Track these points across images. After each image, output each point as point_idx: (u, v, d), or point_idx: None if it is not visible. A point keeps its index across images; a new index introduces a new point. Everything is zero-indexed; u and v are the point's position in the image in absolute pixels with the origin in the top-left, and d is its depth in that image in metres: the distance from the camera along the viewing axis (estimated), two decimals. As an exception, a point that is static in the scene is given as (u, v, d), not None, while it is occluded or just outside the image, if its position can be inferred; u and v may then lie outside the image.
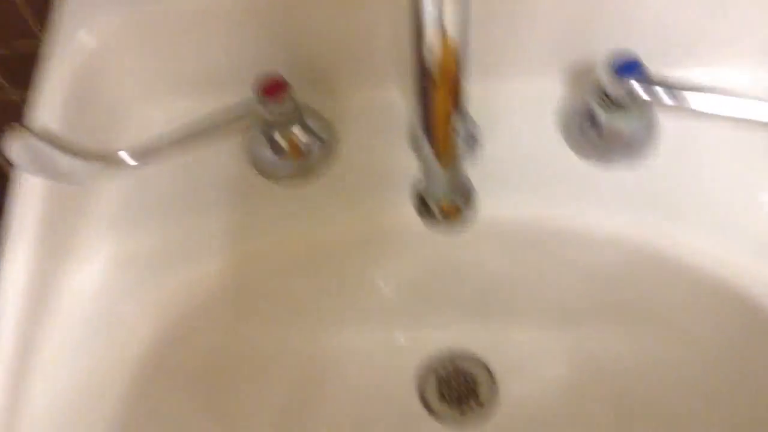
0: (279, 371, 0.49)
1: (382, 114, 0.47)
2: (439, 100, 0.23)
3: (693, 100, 0.39)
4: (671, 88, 0.39)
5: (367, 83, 0.47)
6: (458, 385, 0.52)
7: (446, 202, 0.28)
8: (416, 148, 0.32)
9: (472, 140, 0.44)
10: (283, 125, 0.44)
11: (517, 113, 0.45)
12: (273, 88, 0.42)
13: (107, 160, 0.39)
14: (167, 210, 0.45)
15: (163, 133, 0.41)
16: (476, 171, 0.44)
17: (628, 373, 0.48)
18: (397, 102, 0.47)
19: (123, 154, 0.40)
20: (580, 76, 0.45)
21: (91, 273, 0.44)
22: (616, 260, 0.44)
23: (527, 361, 0.51)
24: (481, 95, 0.45)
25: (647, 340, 0.48)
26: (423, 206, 0.29)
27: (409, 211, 0.43)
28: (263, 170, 0.46)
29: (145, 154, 0.40)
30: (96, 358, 0.41)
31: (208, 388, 0.45)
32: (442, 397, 0.51)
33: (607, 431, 0.48)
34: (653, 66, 0.39)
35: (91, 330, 0.42)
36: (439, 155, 0.24)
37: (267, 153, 0.45)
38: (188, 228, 0.45)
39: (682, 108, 0.40)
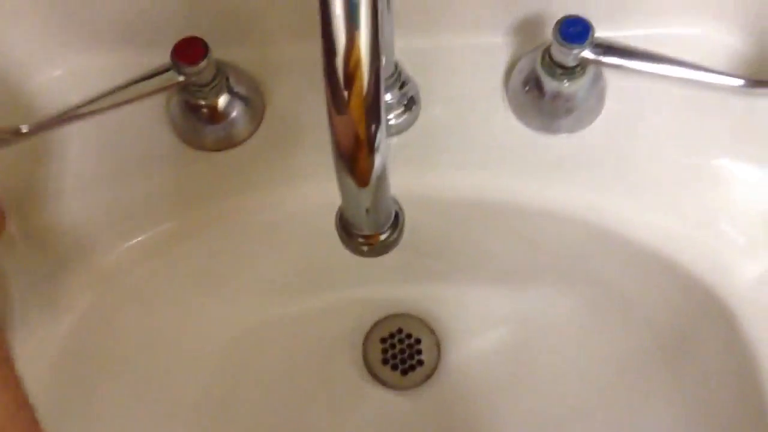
0: (210, 348, 0.47)
1: (311, 67, 0.43)
2: (355, 115, 0.20)
3: (641, 63, 0.37)
4: (619, 52, 0.36)
5: (294, 34, 0.43)
6: (402, 348, 0.51)
7: (368, 231, 0.26)
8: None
9: (411, 102, 0.41)
10: (204, 89, 0.40)
11: (461, 73, 0.42)
12: (189, 52, 0.38)
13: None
14: (85, 184, 0.42)
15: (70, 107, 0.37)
16: (415, 135, 0.41)
17: (568, 330, 0.48)
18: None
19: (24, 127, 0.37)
20: (529, 37, 0.41)
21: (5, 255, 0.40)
22: (558, 228, 0.42)
23: (470, 322, 0.50)
24: (424, 49, 0.42)
25: (584, 299, 0.47)
26: (344, 233, 0.26)
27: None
28: (187, 138, 0.42)
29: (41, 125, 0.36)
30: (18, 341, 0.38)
31: (135, 371, 0.44)
32: (385, 361, 0.51)
33: (546, 390, 0.49)
34: (601, 29, 0.36)
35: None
36: (356, 176, 0.21)
37: (190, 120, 0.42)
38: (109, 203, 0.41)
39: (629, 72, 0.37)
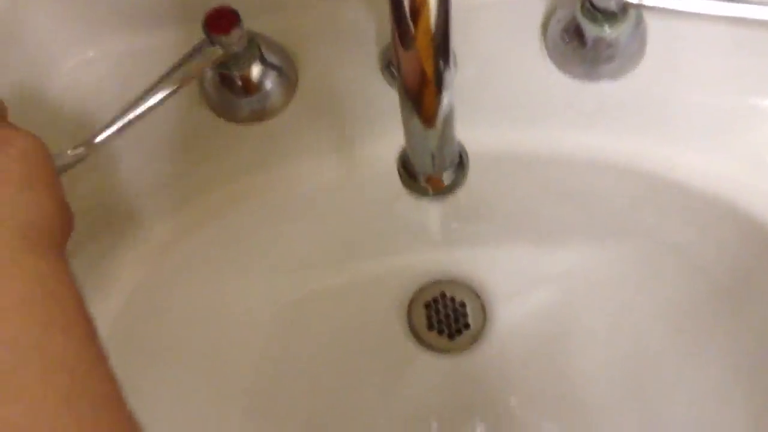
0: (257, 322, 0.47)
1: (344, 33, 0.42)
2: (422, 51, 0.20)
3: (684, 3, 0.36)
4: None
5: (326, 1, 0.42)
6: (447, 313, 0.51)
7: (433, 173, 0.25)
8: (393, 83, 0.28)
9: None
10: (236, 61, 0.40)
11: (496, 29, 0.41)
12: (220, 21, 0.37)
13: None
14: (125, 162, 0.41)
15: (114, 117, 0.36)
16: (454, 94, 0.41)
17: (618, 288, 0.47)
18: (361, 16, 0.42)
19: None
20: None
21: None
22: (603, 179, 0.41)
23: (516, 284, 0.50)
24: (456, 6, 0.41)
25: (635, 254, 0.46)
26: (407, 175, 0.26)
27: (379, 146, 0.40)
28: (222, 112, 0.42)
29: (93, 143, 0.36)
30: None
31: (185, 349, 0.43)
32: (431, 326, 0.50)
33: (595, 350, 0.48)
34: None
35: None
36: (423, 116, 0.20)
37: (224, 93, 0.41)
38: (150, 179, 0.41)
39: (672, 13, 0.36)
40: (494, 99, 0.40)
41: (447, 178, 0.26)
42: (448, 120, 0.21)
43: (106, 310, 0.39)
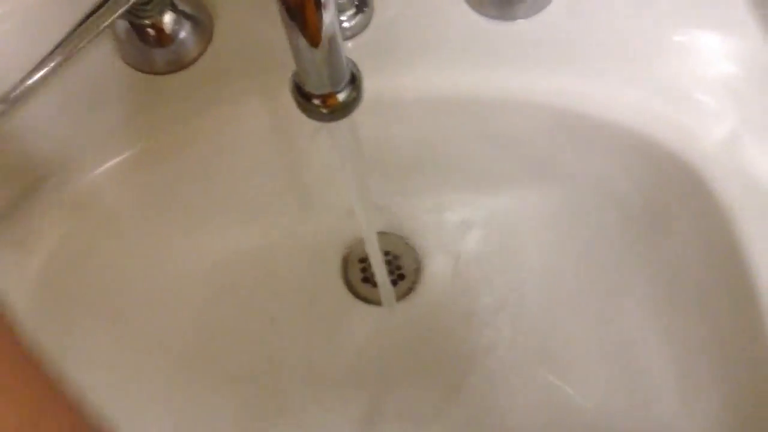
0: (187, 275, 0.47)
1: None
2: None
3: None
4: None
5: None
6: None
7: (325, 90, 0.25)
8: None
9: (362, 3, 0.40)
10: (148, 10, 0.39)
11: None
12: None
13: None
14: (41, 118, 0.40)
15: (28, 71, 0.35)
16: (369, 37, 0.40)
17: (545, 230, 0.48)
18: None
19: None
20: None
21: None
22: (526, 120, 0.42)
23: (447, 233, 0.50)
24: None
25: (558, 195, 0.47)
26: (302, 97, 0.26)
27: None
28: (137, 64, 0.41)
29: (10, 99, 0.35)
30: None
31: (112, 304, 0.43)
32: (366, 279, 0.50)
33: (524, 290, 0.49)
34: None
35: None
36: (306, 33, 0.20)
37: (137, 44, 0.40)
38: (68, 134, 0.40)
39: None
40: (413, 41, 0.40)
41: (341, 96, 0.26)
42: (333, 38, 0.21)
43: (30, 266, 0.38)
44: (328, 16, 0.21)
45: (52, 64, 0.37)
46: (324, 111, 0.26)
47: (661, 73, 0.39)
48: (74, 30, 0.37)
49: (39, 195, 0.39)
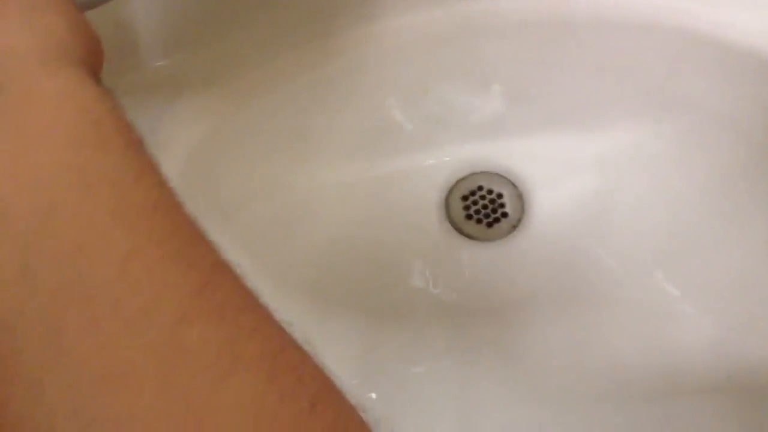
0: (307, 205, 0.48)
1: None
2: None
3: None
4: None
5: None
6: (485, 204, 0.51)
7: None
8: None
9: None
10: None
11: None
12: None
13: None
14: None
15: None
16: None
17: (658, 166, 0.48)
18: None
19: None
20: None
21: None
22: (641, 42, 0.42)
23: (554, 171, 0.50)
24: None
25: (674, 128, 0.47)
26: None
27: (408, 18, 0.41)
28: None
29: None
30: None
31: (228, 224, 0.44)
32: (469, 216, 0.51)
33: (634, 231, 0.49)
34: None
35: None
36: None
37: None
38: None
39: None
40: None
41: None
42: None
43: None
44: None
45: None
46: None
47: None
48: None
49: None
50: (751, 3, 0.39)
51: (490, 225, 0.51)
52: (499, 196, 0.51)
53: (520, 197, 0.51)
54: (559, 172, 0.50)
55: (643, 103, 0.46)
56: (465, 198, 0.51)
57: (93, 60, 0.24)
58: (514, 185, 0.51)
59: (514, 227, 0.51)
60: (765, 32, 0.39)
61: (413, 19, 0.43)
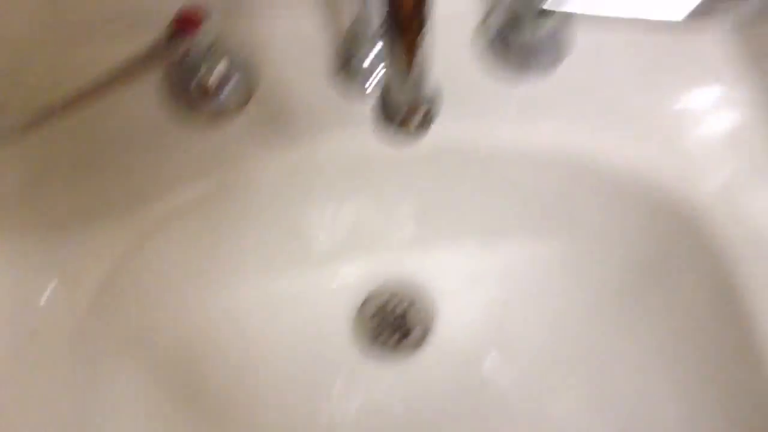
0: (202, 327, 0.48)
1: (302, 42, 0.45)
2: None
3: (594, 5, 0.42)
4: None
5: (284, 9, 0.45)
6: (391, 320, 0.53)
7: (414, 103, 0.28)
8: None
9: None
10: (198, 62, 0.42)
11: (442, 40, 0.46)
12: (187, 23, 0.40)
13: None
14: (69, 173, 0.42)
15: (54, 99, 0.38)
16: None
17: (551, 282, 0.51)
18: (315, 31, 0.46)
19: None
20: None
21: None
22: (539, 171, 0.46)
23: (457, 284, 0.53)
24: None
25: (566, 247, 0.51)
26: (385, 114, 0.29)
27: (332, 145, 0.43)
28: (180, 114, 0.44)
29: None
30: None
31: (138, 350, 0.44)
32: (378, 334, 0.52)
33: (534, 340, 0.52)
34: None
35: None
36: (407, 55, 0.24)
37: (181, 95, 0.43)
38: (95, 190, 0.42)
39: (588, 19, 0.42)
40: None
41: (416, 119, 0.29)
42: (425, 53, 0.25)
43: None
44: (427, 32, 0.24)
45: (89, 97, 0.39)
46: (410, 125, 0.30)
47: (663, 127, 0.43)
48: (119, 69, 0.40)
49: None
50: (622, 135, 0.44)
51: (398, 341, 0.52)
52: (407, 310, 0.53)
53: (427, 311, 0.53)
54: (463, 286, 0.53)
55: (539, 223, 0.50)
56: (373, 315, 0.53)
57: None
58: (421, 299, 0.53)
59: (420, 342, 0.52)
60: (636, 160, 0.43)
61: (328, 144, 0.44)
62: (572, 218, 0.49)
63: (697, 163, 0.43)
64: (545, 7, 0.41)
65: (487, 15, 0.45)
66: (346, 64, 0.43)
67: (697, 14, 0.41)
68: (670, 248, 0.46)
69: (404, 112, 0.30)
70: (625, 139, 0.44)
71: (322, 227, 0.51)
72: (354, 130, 0.43)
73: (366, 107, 0.43)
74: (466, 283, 0.53)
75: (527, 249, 0.52)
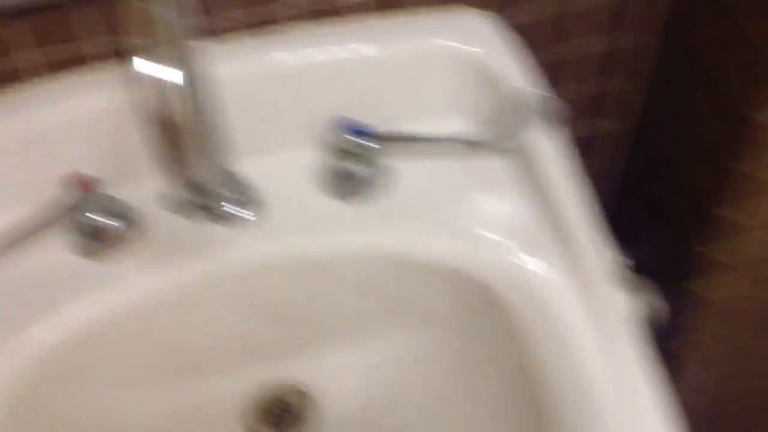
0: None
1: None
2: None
3: (406, 144, 0.55)
4: (387, 138, 0.55)
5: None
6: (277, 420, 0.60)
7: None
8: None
9: (254, 202, 0.56)
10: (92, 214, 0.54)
11: (283, 178, 0.58)
12: (84, 184, 0.52)
13: None
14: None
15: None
16: (261, 222, 0.55)
17: (412, 372, 0.60)
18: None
19: None
20: (324, 142, 0.59)
21: None
22: (376, 272, 0.56)
23: (331, 383, 0.61)
24: (255, 167, 0.58)
25: (431, 335, 0.60)
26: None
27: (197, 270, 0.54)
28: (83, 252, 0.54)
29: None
30: None
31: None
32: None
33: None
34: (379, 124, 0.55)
35: None
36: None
37: (81, 239, 0.54)
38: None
39: (400, 149, 0.56)
40: (288, 222, 0.56)
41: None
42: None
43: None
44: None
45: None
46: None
47: (460, 221, 0.55)
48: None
49: None
50: (430, 231, 0.55)
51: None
52: (285, 411, 0.60)
53: (313, 410, 0.60)
54: (339, 383, 0.61)
55: (383, 314, 0.60)
56: (261, 419, 0.60)
57: None
58: (306, 400, 0.61)
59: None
60: (442, 250, 0.54)
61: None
62: (414, 311, 0.58)
63: (487, 245, 0.54)
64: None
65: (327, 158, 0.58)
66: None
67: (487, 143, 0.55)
68: (473, 315, 0.55)
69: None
70: (434, 234, 0.55)
71: (203, 339, 0.59)
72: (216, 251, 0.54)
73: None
74: (340, 380, 0.61)
75: (388, 344, 0.60)
